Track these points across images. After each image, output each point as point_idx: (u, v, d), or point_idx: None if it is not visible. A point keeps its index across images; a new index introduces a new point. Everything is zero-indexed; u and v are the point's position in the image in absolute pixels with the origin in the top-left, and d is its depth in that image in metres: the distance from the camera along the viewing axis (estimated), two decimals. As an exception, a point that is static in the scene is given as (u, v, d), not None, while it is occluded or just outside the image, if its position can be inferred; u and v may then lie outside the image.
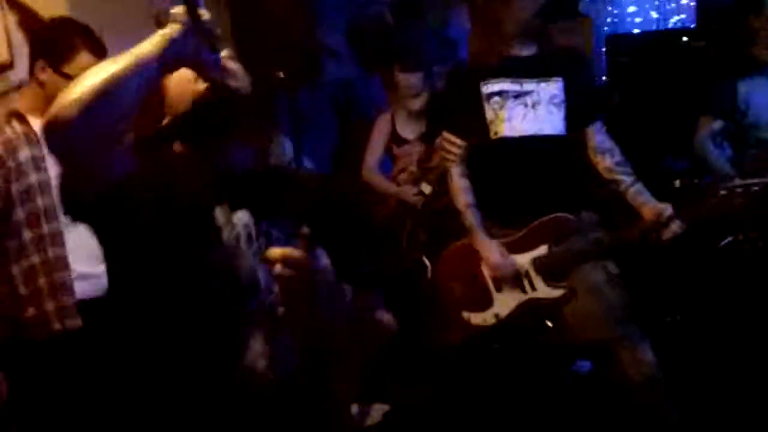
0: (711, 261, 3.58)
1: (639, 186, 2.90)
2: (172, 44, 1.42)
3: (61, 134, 1.32)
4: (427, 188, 3.99)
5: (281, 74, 3.57)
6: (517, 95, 2.96)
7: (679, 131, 3.82)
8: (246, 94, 1.58)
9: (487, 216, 3.06)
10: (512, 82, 2.96)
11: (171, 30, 1.43)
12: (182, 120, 1.54)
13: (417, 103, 4.05)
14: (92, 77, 1.32)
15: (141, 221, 1.46)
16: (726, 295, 3.56)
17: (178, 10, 1.45)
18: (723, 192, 2.80)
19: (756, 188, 2.83)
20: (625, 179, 2.93)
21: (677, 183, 3.96)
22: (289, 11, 3.13)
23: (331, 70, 3.96)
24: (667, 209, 2.78)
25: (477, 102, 3.00)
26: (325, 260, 1.41)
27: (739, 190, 2.82)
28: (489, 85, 2.98)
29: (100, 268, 2.68)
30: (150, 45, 1.41)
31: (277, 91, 3.64)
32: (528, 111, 2.94)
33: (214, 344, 1.50)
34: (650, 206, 2.84)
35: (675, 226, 2.78)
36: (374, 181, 4.15)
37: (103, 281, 2.69)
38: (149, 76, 1.39)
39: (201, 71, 1.52)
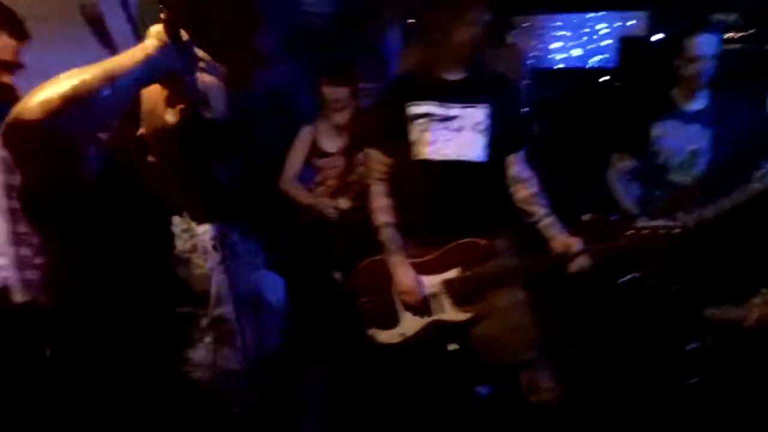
0: (612, 296, 3.68)
1: (551, 219, 2.98)
2: (149, 60, 1.40)
3: (22, 136, 1.28)
4: (345, 203, 3.99)
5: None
6: (443, 119, 2.99)
7: (594, 166, 3.94)
8: (221, 118, 1.57)
9: (405, 235, 3.09)
10: (438, 106, 2.99)
11: (149, 45, 1.42)
12: (158, 137, 1.51)
13: (341, 117, 4.06)
14: (61, 83, 1.30)
15: (96, 223, 1.43)
16: (626, 329, 3.67)
17: (158, 27, 1.44)
18: (630, 232, 2.91)
19: (661, 231, 2.95)
20: (539, 211, 3.00)
21: (586, 217, 4.06)
22: (231, 12, 3.10)
23: (267, 78, 3.93)
24: (576, 244, 2.87)
25: (403, 122, 3.02)
26: (279, 293, 1.44)
27: (645, 231, 2.93)
28: (415, 107, 3.01)
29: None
30: (126, 58, 1.40)
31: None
32: (452, 136, 2.98)
33: (154, 345, 1.47)
34: (559, 240, 2.92)
35: (581, 261, 2.87)
36: (291, 192, 4.14)
37: (3, 274, 2.61)
38: (123, 89, 1.37)
39: (175, 91, 1.50)
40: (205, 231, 1.57)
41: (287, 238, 3.76)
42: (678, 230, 2.90)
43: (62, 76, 1.32)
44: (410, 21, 4.91)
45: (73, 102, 1.28)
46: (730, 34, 4.42)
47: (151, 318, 1.48)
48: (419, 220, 3.05)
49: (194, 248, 1.55)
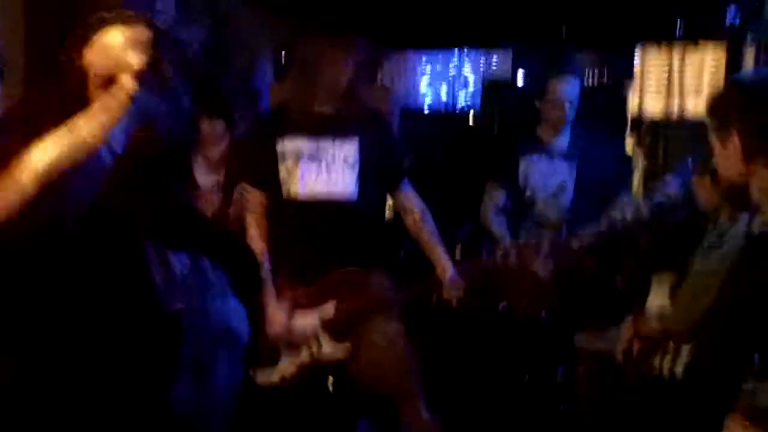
0: (487, 323, 3.76)
1: (434, 245, 3.02)
2: (136, 107, 1.31)
3: (19, 214, 1.17)
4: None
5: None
6: (312, 154, 2.97)
7: (465, 201, 4.05)
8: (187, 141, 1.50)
9: (283, 271, 3.03)
10: (308, 140, 2.97)
11: (128, 90, 1.30)
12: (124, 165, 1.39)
13: (216, 152, 3.96)
14: (52, 149, 1.17)
15: (71, 255, 1.31)
16: (498, 355, 3.76)
17: (138, 61, 1.33)
18: (500, 251, 3.00)
19: (530, 247, 3.06)
20: (423, 237, 3.04)
21: (458, 247, 4.15)
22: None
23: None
24: (449, 271, 2.93)
25: (274, 157, 2.99)
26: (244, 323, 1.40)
27: (514, 248, 3.02)
28: (286, 142, 2.98)
29: None
30: (111, 109, 1.27)
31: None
32: (321, 171, 2.97)
33: (134, 379, 1.36)
34: (439, 266, 2.97)
35: (456, 289, 2.93)
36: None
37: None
38: (116, 144, 1.26)
39: (154, 127, 1.40)
40: (178, 261, 1.48)
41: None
42: (546, 245, 3.02)
43: (48, 140, 1.19)
44: (281, 54, 4.91)
45: (70, 171, 1.18)
46: (589, 74, 4.66)
47: (134, 354, 1.37)
48: (295, 256, 3.01)
49: (171, 280, 1.45)
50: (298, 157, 2.97)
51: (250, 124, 3.79)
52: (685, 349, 2.63)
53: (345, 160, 2.98)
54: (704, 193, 2.80)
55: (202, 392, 1.43)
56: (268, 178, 3.01)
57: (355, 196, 2.99)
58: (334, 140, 2.98)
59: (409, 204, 3.11)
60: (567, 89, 3.55)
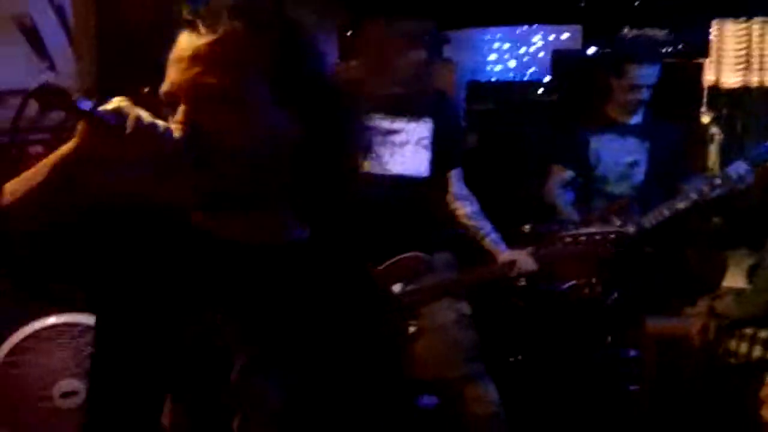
0: (553, 304, 3.71)
1: (495, 235, 2.99)
2: None
3: None
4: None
5: (146, 89, 3.41)
6: (387, 133, 2.97)
7: (532, 177, 3.98)
8: None
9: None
10: (383, 119, 2.97)
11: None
12: None
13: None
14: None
15: None
16: (564, 336, 3.71)
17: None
18: (568, 239, 2.96)
19: (598, 237, 3.01)
20: (482, 227, 3.01)
21: (527, 228, 4.09)
22: (158, 27, 3.01)
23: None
24: (518, 256, 2.89)
25: None
26: None
27: (582, 237, 2.98)
28: None
29: None
30: None
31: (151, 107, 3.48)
32: (396, 150, 2.96)
33: None
34: (504, 254, 2.94)
35: (524, 270, 2.90)
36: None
37: None
38: None
39: None
40: None
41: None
42: (614, 236, 2.96)
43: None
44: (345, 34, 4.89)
45: None
46: (662, 50, 4.51)
47: None
48: (363, 236, 3.01)
49: None
50: (373, 135, 2.96)
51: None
52: (763, 332, 2.57)
53: (419, 142, 2.98)
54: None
55: None
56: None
57: (427, 177, 2.99)
58: (409, 121, 2.97)
59: (463, 192, 3.08)
60: (647, 75, 3.45)
